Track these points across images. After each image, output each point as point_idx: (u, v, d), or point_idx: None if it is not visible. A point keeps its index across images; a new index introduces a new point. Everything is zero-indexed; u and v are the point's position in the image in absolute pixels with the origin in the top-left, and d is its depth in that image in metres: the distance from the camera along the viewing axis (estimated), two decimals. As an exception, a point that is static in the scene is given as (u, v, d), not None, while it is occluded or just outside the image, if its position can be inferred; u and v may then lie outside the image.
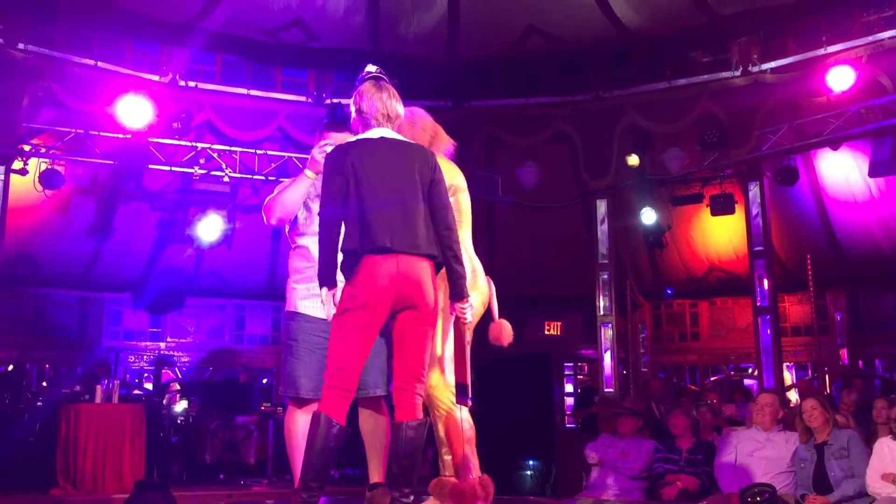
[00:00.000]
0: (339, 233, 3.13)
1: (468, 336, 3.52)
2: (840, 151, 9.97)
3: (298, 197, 3.76)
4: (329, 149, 3.50)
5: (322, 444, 3.04)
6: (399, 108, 3.37)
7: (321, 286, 3.17)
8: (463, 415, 3.52)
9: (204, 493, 8.40)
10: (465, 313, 3.33)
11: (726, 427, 7.23)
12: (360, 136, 3.30)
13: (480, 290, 3.63)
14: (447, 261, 3.23)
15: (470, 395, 3.48)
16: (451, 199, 3.58)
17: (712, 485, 6.05)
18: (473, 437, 3.57)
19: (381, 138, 3.27)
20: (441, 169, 3.35)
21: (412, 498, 3.12)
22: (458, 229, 3.58)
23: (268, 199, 3.86)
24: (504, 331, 3.65)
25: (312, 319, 3.62)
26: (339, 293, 3.14)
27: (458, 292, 3.27)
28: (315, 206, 3.85)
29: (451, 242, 3.24)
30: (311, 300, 3.63)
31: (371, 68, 3.42)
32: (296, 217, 3.84)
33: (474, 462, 3.58)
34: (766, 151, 9.60)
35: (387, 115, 3.32)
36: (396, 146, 3.28)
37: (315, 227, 3.75)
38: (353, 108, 3.39)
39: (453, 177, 3.68)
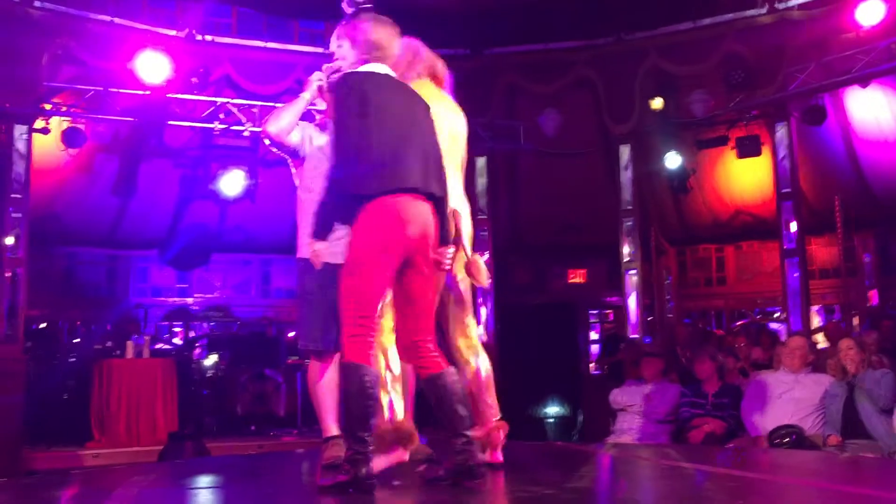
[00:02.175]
0: (358, 174, 2.94)
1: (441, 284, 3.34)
2: (869, 89, 9.73)
3: (294, 115, 3.68)
4: (321, 76, 3.46)
5: (359, 394, 2.91)
6: (398, 46, 3.25)
7: (319, 235, 3.02)
8: (481, 359, 3.48)
9: (236, 444, 8.56)
10: (445, 259, 3.15)
11: (752, 371, 7.21)
12: (365, 69, 3.14)
13: (467, 234, 3.51)
14: (440, 203, 3.10)
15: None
16: (445, 136, 3.42)
17: (739, 428, 6.05)
18: (490, 383, 3.54)
19: (387, 75, 3.14)
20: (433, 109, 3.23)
21: None
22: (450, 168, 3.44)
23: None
24: (478, 267, 3.50)
25: (330, 268, 3.50)
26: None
27: (444, 237, 3.13)
28: (326, 149, 3.79)
29: (444, 185, 3.14)
30: (325, 246, 3.59)
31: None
32: (305, 158, 3.80)
33: (490, 408, 3.53)
34: (793, 91, 9.40)
35: (384, 53, 3.16)
36: (399, 85, 3.17)
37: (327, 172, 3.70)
38: (345, 43, 3.22)
39: (458, 114, 3.55)
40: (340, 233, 3.22)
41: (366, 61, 3.15)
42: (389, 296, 3.19)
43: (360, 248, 2.95)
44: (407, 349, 3.11)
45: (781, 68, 9.26)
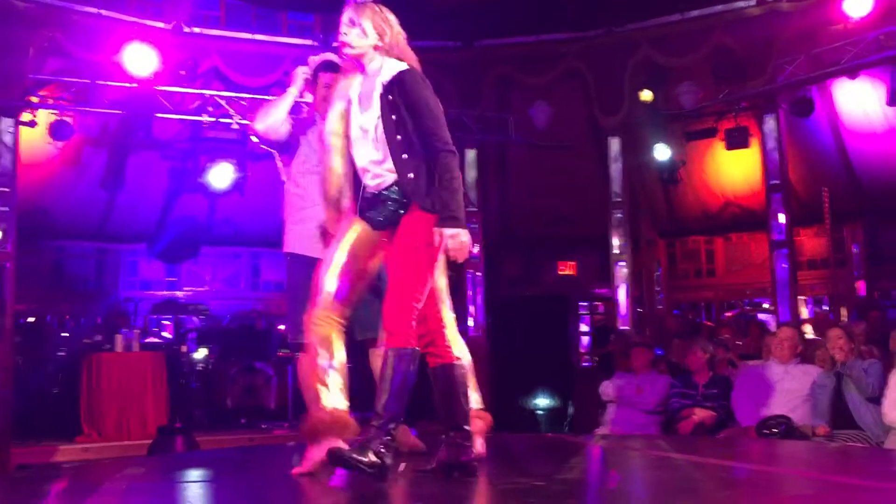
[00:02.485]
0: None
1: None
2: (857, 80, 9.77)
3: (282, 110, 3.69)
4: (306, 69, 3.44)
5: (413, 380, 2.92)
6: None
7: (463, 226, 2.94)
8: (461, 349, 3.38)
9: (226, 438, 8.56)
10: None
11: (741, 362, 7.24)
12: (391, 62, 3.06)
13: None
14: None
15: None
16: None
17: (729, 418, 6.08)
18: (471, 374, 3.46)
19: None
20: None
21: None
22: None
23: None
24: None
25: (316, 261, 3.43)
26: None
27: None
28: (315, 143, 3.77)
29: None
30: (312, 240, 3.58)
31: None
32: (296, 152, 3.78)
33: (476, 396, 3.45)
34: (781, 83, 9.42)
35: (398, 49, 3.10)
36: None
37: (315, 167, 3.68)
38: (368, 28, 3.04)
39: None
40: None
41: (386, 53, 3.06)
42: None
43: (434, 242, 2.97)
44: (422, 337, 3.06)
45: (770, 60, 9.27)
